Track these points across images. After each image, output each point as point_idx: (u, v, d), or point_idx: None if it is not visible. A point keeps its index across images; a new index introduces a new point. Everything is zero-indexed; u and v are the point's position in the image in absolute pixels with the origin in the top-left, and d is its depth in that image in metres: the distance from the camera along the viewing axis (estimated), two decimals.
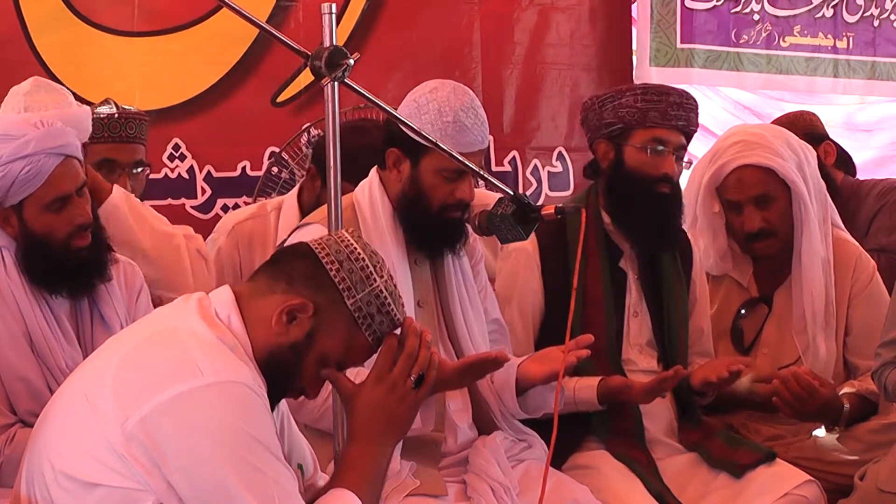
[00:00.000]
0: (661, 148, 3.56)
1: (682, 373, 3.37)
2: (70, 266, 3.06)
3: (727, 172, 3.87)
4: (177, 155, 5.22)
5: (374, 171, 3.35)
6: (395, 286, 2.40)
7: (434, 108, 3.20)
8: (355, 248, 2.36)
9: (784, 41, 6.54)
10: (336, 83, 2.64)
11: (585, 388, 3.45)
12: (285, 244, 3.03)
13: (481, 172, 3.02)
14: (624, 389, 3.43)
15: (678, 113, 3.57)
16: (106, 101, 4.18)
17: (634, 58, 6.15)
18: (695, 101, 3.66)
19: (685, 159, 3.68)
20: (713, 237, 3.94)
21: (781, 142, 3.88)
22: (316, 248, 2.37)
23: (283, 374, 2.36)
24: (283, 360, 2.34)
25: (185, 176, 5.22)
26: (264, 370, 2.34)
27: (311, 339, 2.34)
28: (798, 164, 3.86)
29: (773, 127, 4.13)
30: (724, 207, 3.91)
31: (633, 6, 6.17)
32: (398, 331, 2.42)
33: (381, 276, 2.36)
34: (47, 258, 3.03)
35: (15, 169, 2.95)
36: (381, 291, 2.35)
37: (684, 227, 3.95)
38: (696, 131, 3.68)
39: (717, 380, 3.47)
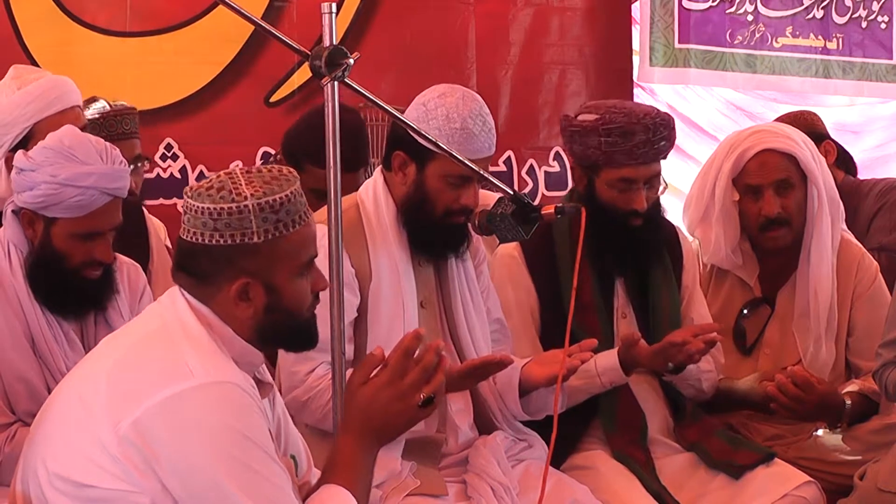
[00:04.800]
0: (629, 185, 3.52)
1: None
2: (72, 291, 3.06)
3: (749, 157, 3.85)
4: (169, 155, 5.22)
5: (378, 172, 3.35)
6: (264, 178, 2.32)
7: (442, 113, 3.18)
8: (205, 209, 2.29)
9: (776, 42, 6.55)
10: (335, 82, 2.62)
11: (606, 355, 3.44)
12: None
13: (490, 178, 3.00)
14: (634, 342, 3.40)
15: (645, 150, 3.48)
16: (94, 99, 4.16)
17: (636, 58, 6.16)
18: (666, 124, 3.53)
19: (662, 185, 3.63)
20: (727, 229, 3.92)
21: (799, 137, 3.90)
22: (190, 238, 2.31)
23: (283, 324, 2.36)
24: (272, 321, 2.34)
25: (178, 176, 5.22)
26: (262, 341, 2.35)
27: (273, 290, 2.33)
28: (813, 160, 3.86)
29: (789, 125, 4.13)
30: (741, 195, 3.90)
31: (633, 6, 6.18)
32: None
33: (241, 193, 2.29)
34: (55, 276, 3.03)
35: (66, 193, 2.95)
36: (257, 202, 2.29)
37: (692, 221, 3.95)
38: (671, 148, 3.59)
39: (681, 340, 3.39)
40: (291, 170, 2.40)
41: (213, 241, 2.29)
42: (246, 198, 2.29)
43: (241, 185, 2.31)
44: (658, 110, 3.60)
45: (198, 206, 2.30)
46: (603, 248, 3.56)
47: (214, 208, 2.29)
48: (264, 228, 2.29)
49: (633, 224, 3.54)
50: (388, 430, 2.37)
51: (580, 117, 3.57)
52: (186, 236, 2.32)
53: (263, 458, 2.23)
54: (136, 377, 2.23)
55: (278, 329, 2.36)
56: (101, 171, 2.97)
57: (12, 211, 3.08)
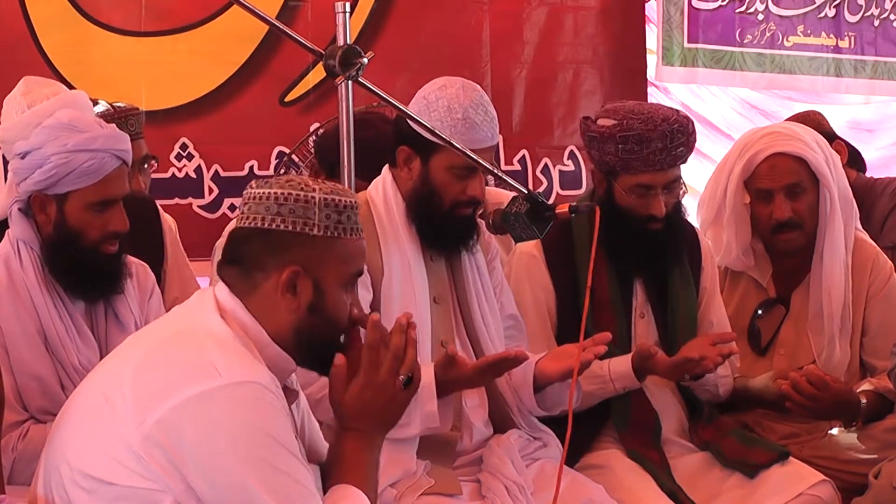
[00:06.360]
0: (647, 191, 3.51)
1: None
2: (92, 269, 3.08)
3: (760, 161, 3.84)
4: (184, 154, 5.22)
5: (386, 169, 3.35)
6: (330, 185, 2.37)
7: (443, 105, 3.19)
8: (271, 194, 2.33)
9: (787, 41, 6.54)
10: (350, 82, 2.63)
11: (620, 361, 3.45)
12: None
13: (493, 169, 3.00)
14: (650, 355, 3.41)
15: (662, 157, 3.46)
16: (95, 102, 4.13)
17: (653, 57, 6.15)
18: (685, 129, 3.49)
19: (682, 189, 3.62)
20: (738, 231, 3.91)
21: (811, 139, 3.88)
22: (249, 224, 2.34)
23: (320, 333, 2.36)
24: (310, 324, 2.34)
25: (193, 175, 5.22)
26: (297, 347, 2.35)
27: (319, 289, 2.34)
28: (826, 162, 3.85)
29: (801, 125, 4.12)
30: (752, 198, 3.89)
31: (647, 5, 6.17)
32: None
33: (310, 186, 2.34)
34: (74, 255, 3.05)
35: (78, 160, 2.99)
36: (323, 197, 2.33)
37: (704, 222, 3.95)
38: (690, 153, 3.56)
39: (698, 356, 3.40)
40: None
41: (274, 226, 2.32)
42: (314, 191, 2.33)
43: (309, 182, 2.36)
44: (679, 114, 3.56)
45: (262, 192, 2.34)
46: (622, 250, 3.56)
47: (281, 193, 2.32)
48: (325, 224, 2.32)
49: (652, 228, 3.54)
50: (384, 423, 2.41)
51: (599, 121, 3.55)
52: (243, 223, 2.35)
53: (288, 458, 2.23)
54: (162, 375, 2.24)
55: (314, 335, 2.36)
56: (105, 134, 3.03)
57: (19, 209, 3.09)
